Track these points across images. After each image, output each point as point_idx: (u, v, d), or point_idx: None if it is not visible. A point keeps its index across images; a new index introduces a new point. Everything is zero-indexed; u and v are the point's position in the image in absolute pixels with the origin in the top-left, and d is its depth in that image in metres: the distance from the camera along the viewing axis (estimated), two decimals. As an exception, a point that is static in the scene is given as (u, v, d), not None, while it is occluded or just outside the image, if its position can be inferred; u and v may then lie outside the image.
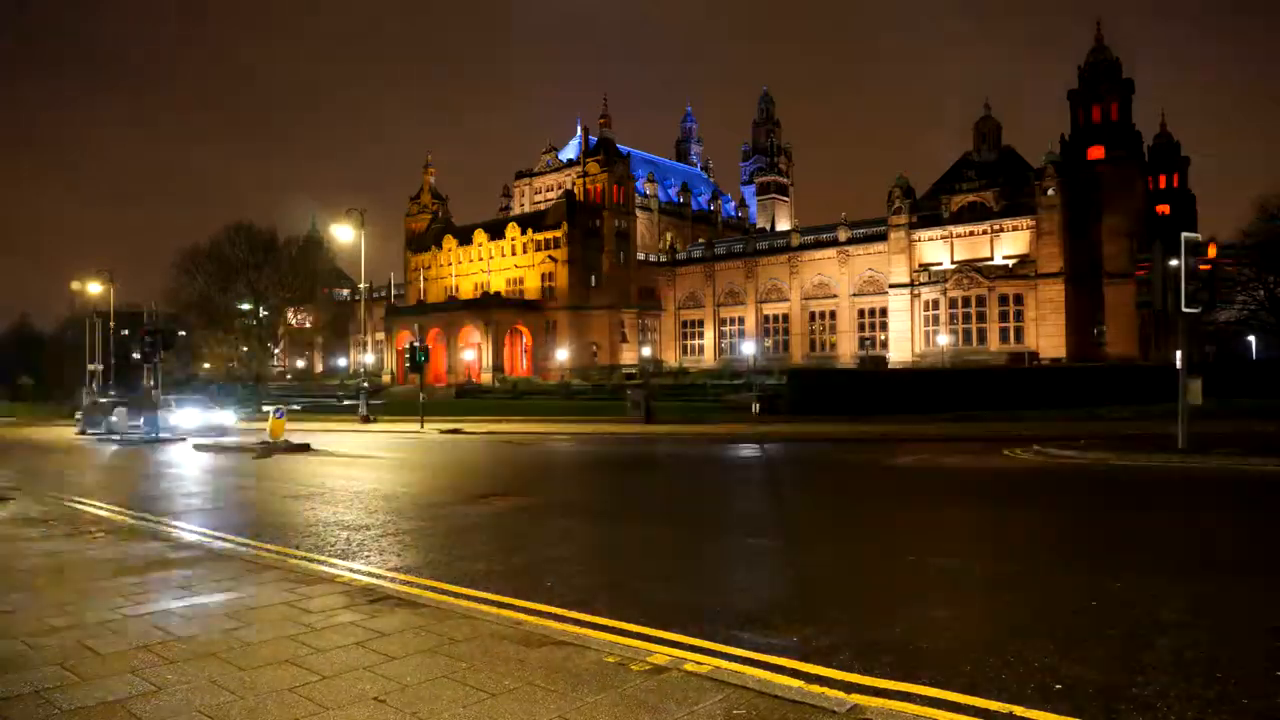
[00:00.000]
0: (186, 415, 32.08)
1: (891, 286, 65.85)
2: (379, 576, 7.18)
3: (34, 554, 8.19)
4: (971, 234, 62.31)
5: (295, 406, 47.66)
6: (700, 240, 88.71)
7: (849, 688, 4.31)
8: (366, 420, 36.05)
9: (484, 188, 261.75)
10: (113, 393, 44.68)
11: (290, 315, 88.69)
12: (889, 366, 62.88)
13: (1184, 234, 15.96)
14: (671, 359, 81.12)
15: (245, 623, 5.59)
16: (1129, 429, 21.56)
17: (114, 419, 32.62)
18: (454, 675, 4.49)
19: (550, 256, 77.36)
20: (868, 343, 70.03)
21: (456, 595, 6.42)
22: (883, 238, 67.22)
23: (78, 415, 38.44)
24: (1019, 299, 60.07)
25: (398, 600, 6.17)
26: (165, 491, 14.55)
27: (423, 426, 30.74)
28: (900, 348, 64.54)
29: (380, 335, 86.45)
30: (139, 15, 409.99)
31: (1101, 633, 5.39)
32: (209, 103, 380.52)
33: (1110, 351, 59.49)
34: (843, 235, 72.09)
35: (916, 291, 64.23)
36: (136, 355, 32.85)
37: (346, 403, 51.57)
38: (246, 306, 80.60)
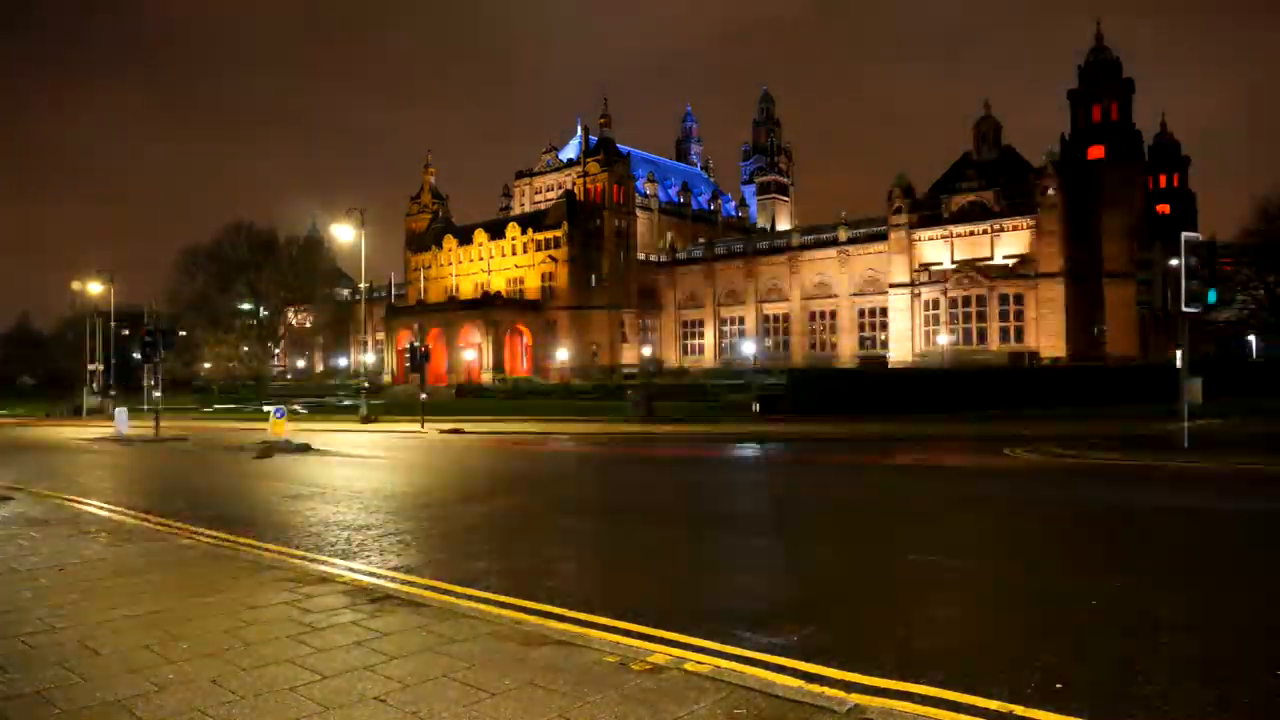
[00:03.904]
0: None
1: (892, 286, 65.83)
2: (379, 576, 7.18)
3: (34, 554, 8.19)
4: (972, 234, 62.28)
5: (296, 406, 47.67)
6: (700, 240, 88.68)
7: (849, 687, 4.31)
8: (367, 420, 36.04)
9: (484, 188, 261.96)
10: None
11: (290, 315, 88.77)
12: (889, 366, 62.89)
13: (1184, 234, 15.98)
14: (672, 359, 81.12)
15: (245, 622, 5.59)
16: (1130, 428, 21.56)
17: None
18: (454, 675, 4.50)
19: (550, 256, 77.36)
20: (868, 342, 70.03)
21: (457, 595, 6.42)
22: (883, 237, 67.20)
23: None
24: (1019, 299, 60.06)
25: (398, 600, 6.17)
26: (165, 491, 14.55)
27: (423, 426, 30.72)
28: (900, 347, 64.52)
29: (381, 335, 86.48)
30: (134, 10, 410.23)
31: (1102, 632, 5.39)
32: (208, 100, 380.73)
33: (1110, 351, 59.48)
34: (843, 235, 72.07)
35: (917, 291, 64.22)
36: (137, 355, 32.92)
37: (347, 402, 51.58)
38: (246, 306, 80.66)
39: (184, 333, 64.28)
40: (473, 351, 72.61)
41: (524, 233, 79.49)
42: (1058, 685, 4.37)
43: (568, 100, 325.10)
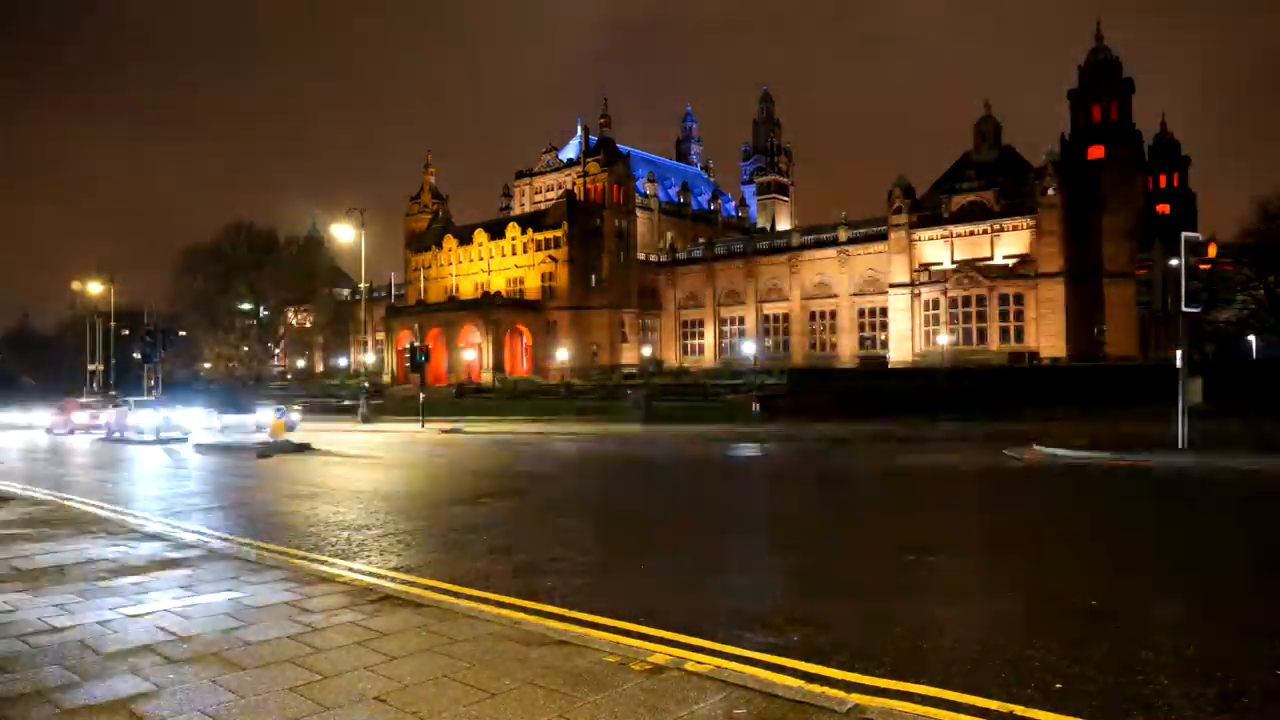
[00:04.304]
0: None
1: (892, 286, 65.81)
2: (379, 576, 7.19)
3: (35, 554, 8.19)
4: (971, 234, 62.26)
5: (296, 407, 47.65)
6: (700, 240, 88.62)
7: (849, 687, 4.32)
8: (367, 420, 36.06)
9: (484, 188, 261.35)
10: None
11: (290, 315, 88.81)
12: (889, 366, 62.89)
13: (1184, 233, 15.99)
14: (672, 359, 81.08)
15: (245, 622, 5.59)
16: (1129, 428, 21.56)
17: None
18: (454, 675, 4.50)
19: (550, 256, 77.35)
20: (868, 342, 70.00)
21: (457, 595, 6.43)
22: (883, 237, 67.18)
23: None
24: (1019, 298, 60.04)
25: (398, 600, 6.17)
26: (165, 491, 14.55)
27: (423, 426, 30.74)
28: (900, 347, 64.51)
29: (381, 335, 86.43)
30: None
31: (1102, 632, 5.39)
32: (207, 99, 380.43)
33: (1110, 351, 59.45)
34: (843, 235, 72.06)
35: (917, 291, 64.20)
36: (137, 355, 32.99)
37: (347, 403, 51.59)
38: (246, 306, 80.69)
39: (184, 333, 64.30)
40: (473, 351, 72.60)
41: (524, 233, 79.48)
42: (1058, 685, 4.37)
43: (568, 100, 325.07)
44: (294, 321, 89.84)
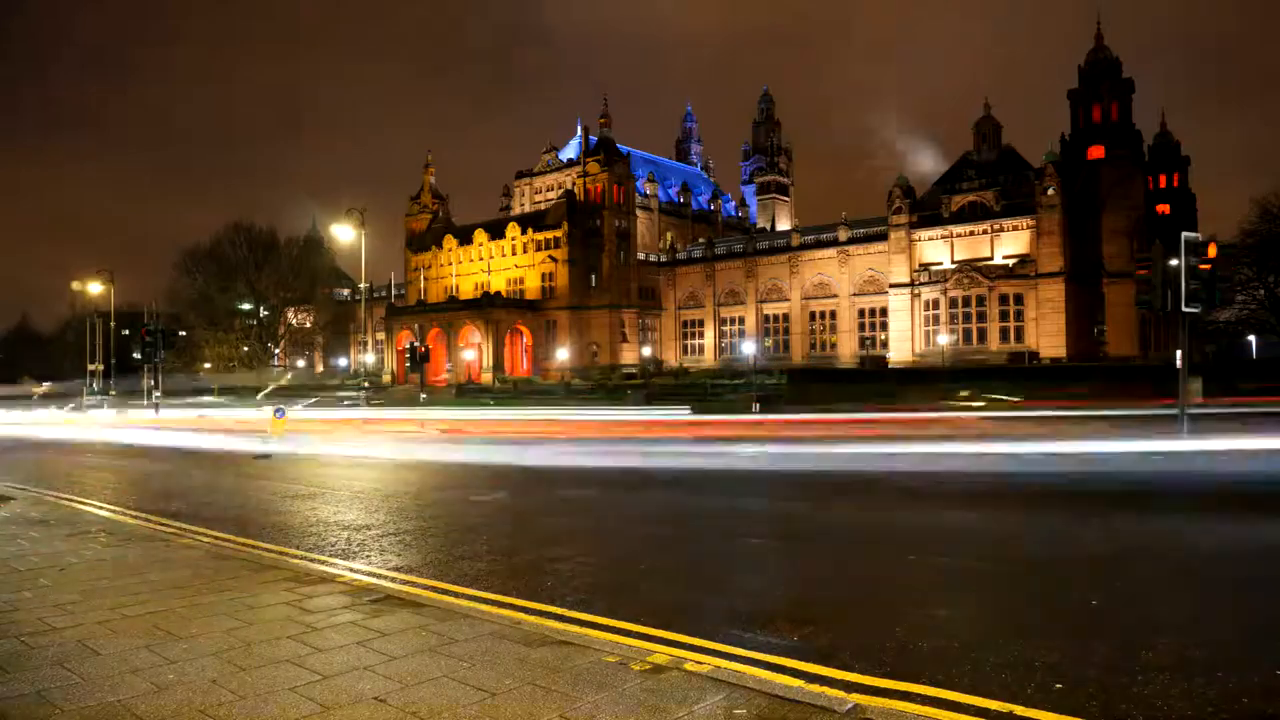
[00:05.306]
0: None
1: (892, 286, 65.81)
2: (379, 576, 7.19)
3: (35, 554, 8.19)
4: (972, 234, 62.26)
5: (296, 406, 47.61)
6: (700, 240, 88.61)
7: (849, 687, 4.31)
8: (367, 420, 36.02)
9: (484, 187, 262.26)
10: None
11: (290, 315, 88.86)
12: (889, 366, 62.89)
13: (1184, 234, 16.00)
14: (672, 359, 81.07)
15: (245, 622, 5.59)
16: (1129, 428, 21.56)
17: None
18: (454, 675, 4.50)
19: (550, 256, 77.35)
20: (868, 342, 69.98)
21: (457, 595, 6.43)
22: (883, 237, 67.18)
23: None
24: (1019, 298, 60.03)
25: (398, 600, 6.17)
26: (164, 491, 14.55)
27: (423, 426, 30.72)
28: (900, 347, 64.51)
29: (381, 335, 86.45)
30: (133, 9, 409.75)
31: (1102, 632, 5.39)
32: (205, 99, 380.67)
33: (1110, 351, 59.46)
34: (843, 235, 72.05)
35: (917, 291, 64.20)
36: (137, 355, 32.99)
37: (347, 403, 51.59)
38: (247, 306, 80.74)
39: (184, 333, 64.30)
40: (473, 351, 72.60)
41: (524, 233, 79.49)
42: (1058, 685, 4.37)
43: (568, 100, 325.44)
44: (294, 321, 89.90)
